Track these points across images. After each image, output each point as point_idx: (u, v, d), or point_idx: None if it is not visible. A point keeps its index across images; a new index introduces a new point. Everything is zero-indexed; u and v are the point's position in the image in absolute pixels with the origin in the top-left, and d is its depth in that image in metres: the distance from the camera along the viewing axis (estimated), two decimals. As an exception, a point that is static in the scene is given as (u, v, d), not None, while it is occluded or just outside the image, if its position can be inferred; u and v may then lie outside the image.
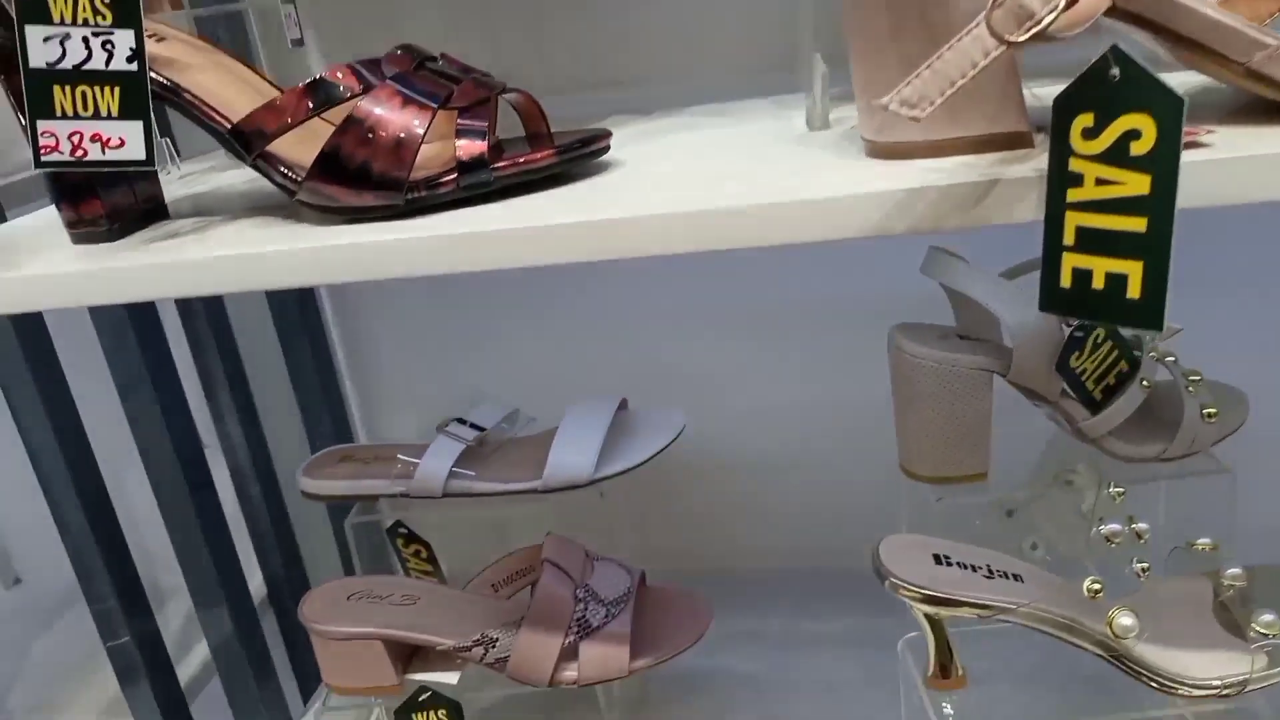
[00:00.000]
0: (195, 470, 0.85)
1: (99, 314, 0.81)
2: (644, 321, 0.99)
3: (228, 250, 0.51)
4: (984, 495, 0.75)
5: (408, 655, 0.80)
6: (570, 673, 0.76)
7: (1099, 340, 0.70)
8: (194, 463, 0.85)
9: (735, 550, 1.04)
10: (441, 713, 0.77)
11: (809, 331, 0.97)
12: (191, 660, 0.99)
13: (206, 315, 0.92)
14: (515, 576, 0.84)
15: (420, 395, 1.05)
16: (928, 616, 0.68)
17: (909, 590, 0.66)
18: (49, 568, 1.23)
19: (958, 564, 0.67)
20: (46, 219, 0.68)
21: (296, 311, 0.99)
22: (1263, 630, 0.64)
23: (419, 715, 0.77)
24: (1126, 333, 0.72)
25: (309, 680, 1.00)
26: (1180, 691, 0.64)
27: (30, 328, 0.75)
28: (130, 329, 0.80)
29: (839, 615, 0.97)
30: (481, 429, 0.87)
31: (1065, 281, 0.42)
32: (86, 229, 0.56)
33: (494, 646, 0.75)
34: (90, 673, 1.03)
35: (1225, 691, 0.63)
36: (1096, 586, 0.63)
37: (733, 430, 1.00)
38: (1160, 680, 0.64)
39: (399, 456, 0.86)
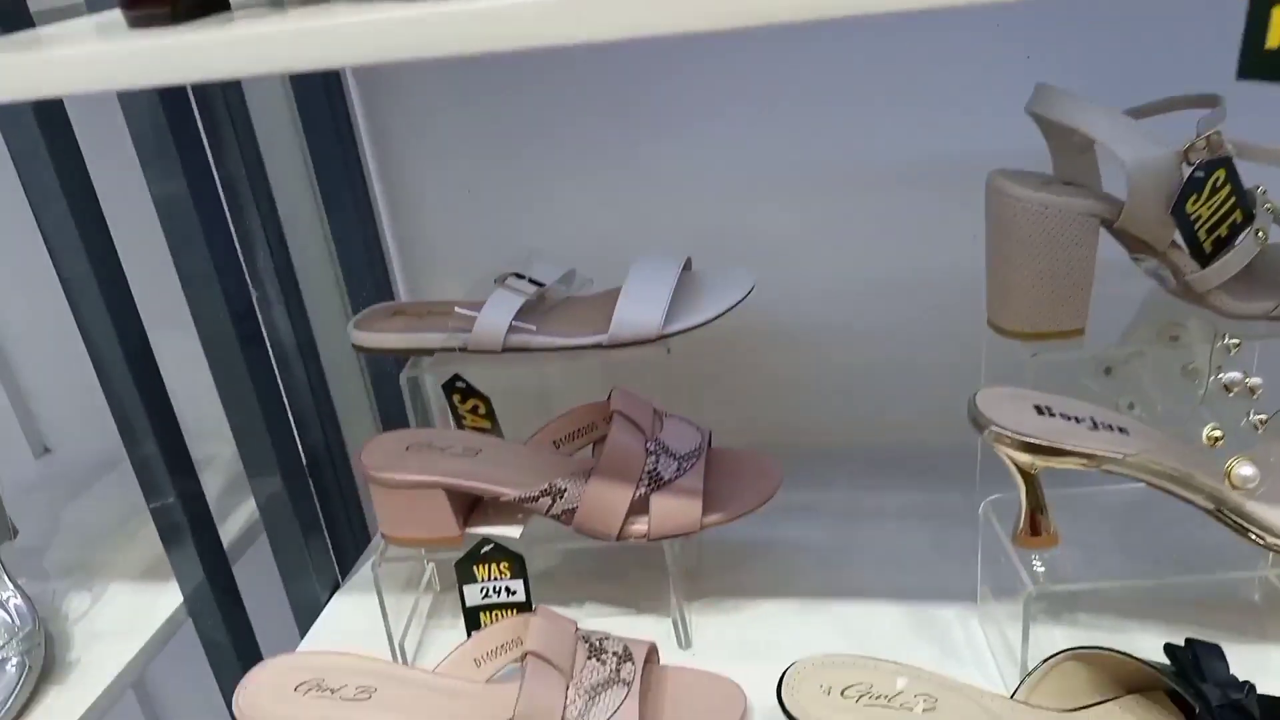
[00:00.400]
0: (245, 323, 0.81)
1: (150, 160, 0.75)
2: (706, 182, 0.94)
3: (282, 27, 0.47)
4: (1080, 352, 0.72)
5: (468, 509, 0.78)
6: (639, 526, 0.73)
7: (1218, 183, 0.66)
8: (245, 316, 0.81)
9: (798, 423, 1.01)
10: (504, 565, 0.75)
11: (882, 193, 0.92)
12: (231, 525, 0.97)
13: (248, 177, 0.87)
14: (576, 434, 0.80)
15: (467, 258, 1.01)
16: (1022, 471, 0.65)
17: (1009, 438, 0.63)
18: (78, 437, 1.21)
19: (1060, 415, 0.64)
20: (86, 23, 0.63)
21: (340, 169, 0.94)
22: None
23: (480, 568, 0.75)
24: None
25: (345, 545, 0.98)
26: (1291, 548, 0.61)
27: (76, 182, 0.70)
28: (181, 176, 0.74)
29: (905, 489, 0.95)
30: (540, 284, 0.83)
31: (1273, 41, 0.37)
32: (147, 10, 0.51)
33: (562, 497, 0.72)
34: (125, 538, 1.01)
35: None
36: (1217, 434, 0.60)
37: (799, 297, 0.96)
38: (1271, 537, 0.62)
39: (456, 309, 0.82)
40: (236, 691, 0.69)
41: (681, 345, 0.81)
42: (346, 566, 0.94)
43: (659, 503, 0.72)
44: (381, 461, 0.75)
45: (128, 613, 0.89)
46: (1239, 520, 0.62)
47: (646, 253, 0.85)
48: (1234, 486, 0.59)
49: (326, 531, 0.90)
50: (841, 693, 0.64)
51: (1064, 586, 0.67)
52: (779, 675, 0.66)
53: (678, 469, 0.73)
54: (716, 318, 0.79)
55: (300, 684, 0.70)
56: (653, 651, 0.72)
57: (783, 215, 0.94)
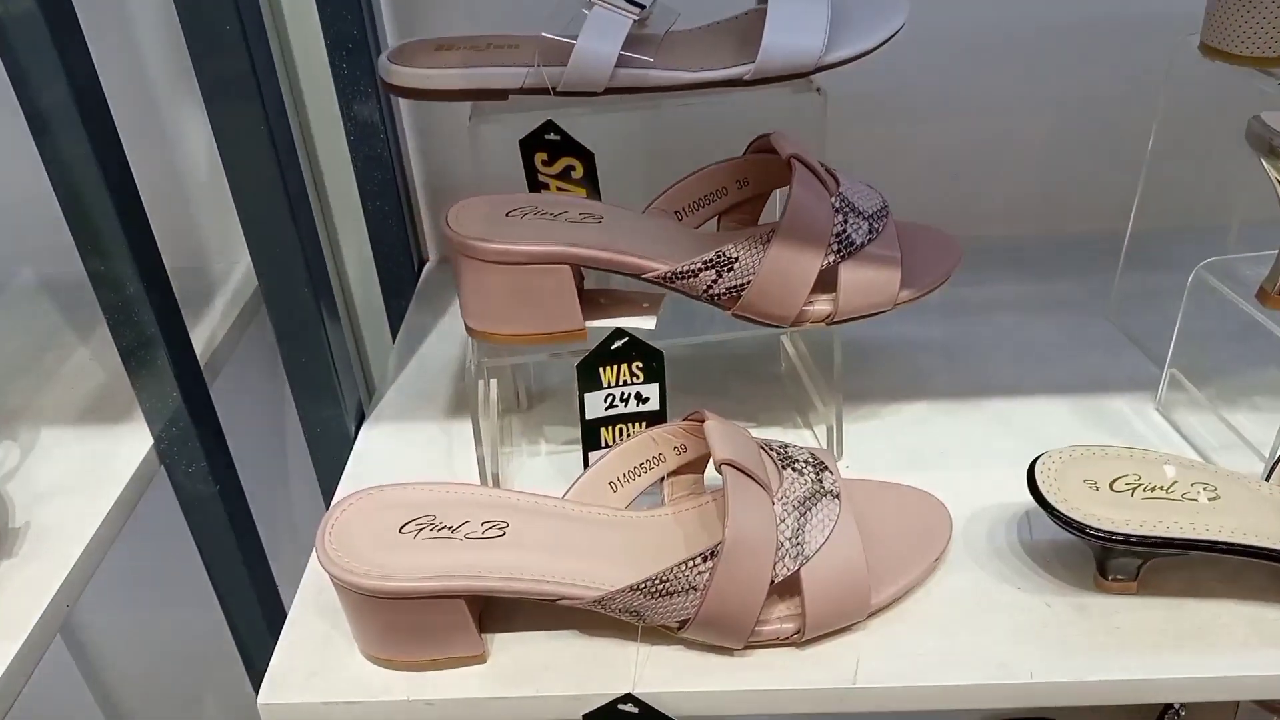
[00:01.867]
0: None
1: None
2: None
3: None
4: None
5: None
6: (822, 306, 0.58)
7: None
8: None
9: (918, 215, 0.86)
10: (638, 365, 0.58)
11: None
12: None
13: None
14: (701, 202, 0.63)
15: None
16: (1302, 214, 0.54)
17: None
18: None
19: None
20: None
21: None
22: None
23: (607, 370, 0.58)
24: None
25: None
26: None
27: None
28: None
29: (1007, 282, 0.83)
30: (641, 4, 0.63)
31: None
32: None
33: (731, 270, 0.56)
34: (43, 376, 0.76)
35: None
36: None
37: (929, 68, 0.80)
38: None
39: (543, 34, 0.61)
40: (322, 533, 0.50)
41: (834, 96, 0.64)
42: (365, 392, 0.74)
43: (850, 274, 0.57)
44: (480, 229, 0.55)
45: (77, 465, 0.66)
46: None
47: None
48: None
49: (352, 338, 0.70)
50: (1111, 486, 0.53)
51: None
52: (1028, 475, 0.54)
53: (869, 232, 0.57)
54: (882, 44, 0.62)
55: (408, 523, 0.51)
56: (832, 459, 0.58)
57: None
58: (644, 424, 0.60)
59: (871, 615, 0.53)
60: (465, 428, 0.67)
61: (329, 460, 0.68)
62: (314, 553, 0.56)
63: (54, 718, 1.10)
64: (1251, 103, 0.60)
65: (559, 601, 0.50)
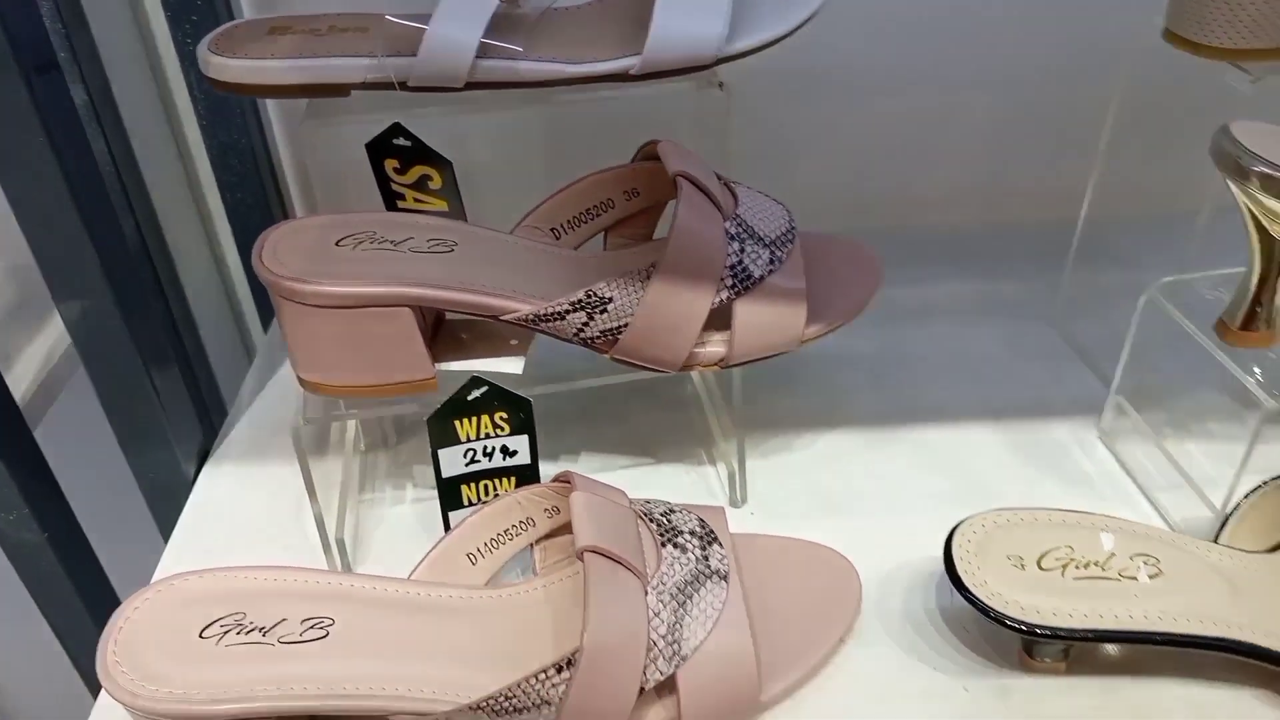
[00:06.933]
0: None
1: None
2: None
3: None
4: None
5: (429, 335, 0.51)
6: (715, 348, 0.49)
7: None
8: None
9: (819, 198, 0.78)
10: (501, 416, 0.50)
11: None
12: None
13: None
14: (587, 215, 0.54)
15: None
16: (1266, 237, 0.46)
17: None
18: None
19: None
20: None
21: None
22: None
23: (464, 423, 0.50)
24: None
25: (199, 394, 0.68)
26: None
27: None
28: None
29: (950, 279, 0.76)
30: (511, -18, 0.53)
31: None
32: None
33: (604, 311, 0.47)
34: None
35: None
36: None
37: (859, 43, 0.71)
38: None
39: (388, 18, 0.51)
40: (104, 646, 0.42)
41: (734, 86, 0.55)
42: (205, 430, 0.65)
43: (747, 311, 0.48)
44: (300, 265, 0.46)
45: None
46: None
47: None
48: None
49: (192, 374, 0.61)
50: (1039, 564, 0.46)
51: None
52: (944, 550, 0.47)
53: (770, 261, 0.49)
54: (791, 32, 0.53)
55: (211, 624, 0.43)
56: (724, 523, 0.50)
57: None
58: (513, 479, 0.52)
59: (764, 710, 0.46)
60: (323, 467, 0.59)
61: (167, 509, 0.59)
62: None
63: None
64: (1220, 90, 0.52)
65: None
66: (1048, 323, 0.71)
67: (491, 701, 0.41)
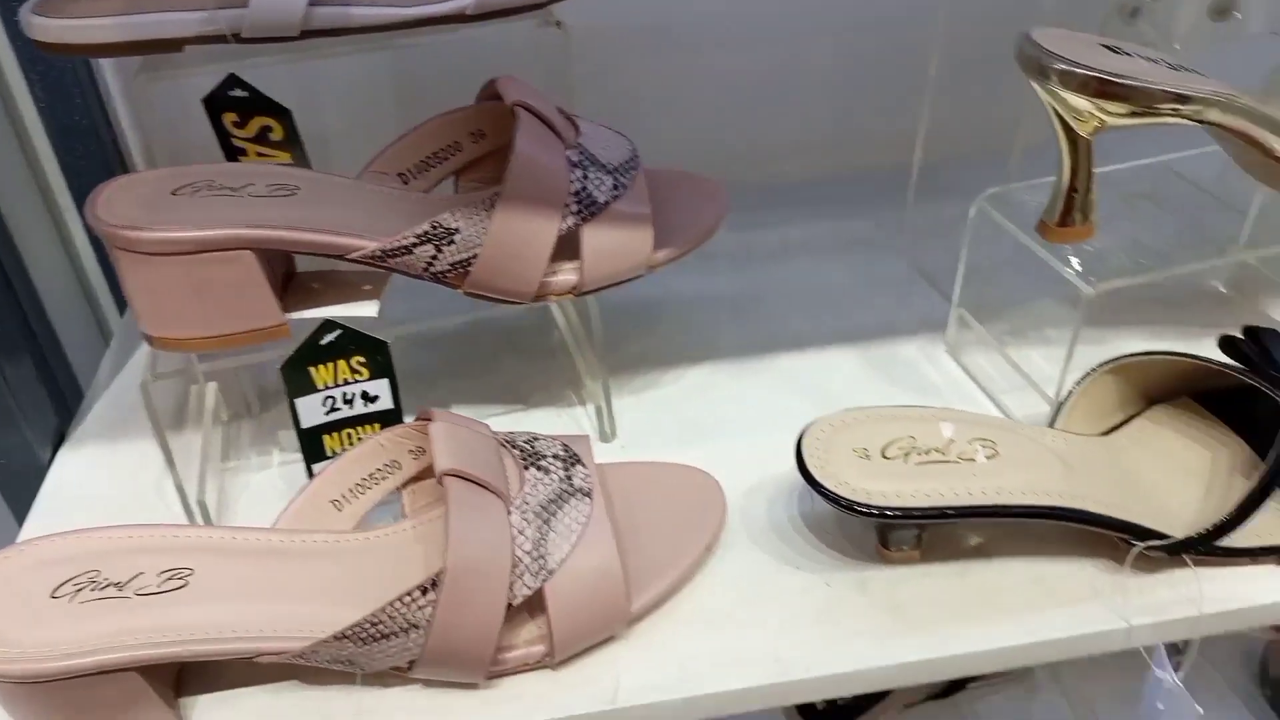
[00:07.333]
0: None
1: None
2: None
3: None
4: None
5: (277, 287, 0.51)
6: (568, 276, 0.51)
7: None
8: None
9: (669, 148, 0.80)
10: (358, 361, 0.50)
11: None
12: None
13: None
14: (435, 159, 0.55)
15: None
16: (1073, 136, 0.50)
17: (1086, 77, 0.46)
18: None
19: (1136, 55, 0.49)
20: None
21: None
22: None
23: (320, 370, 0.49)
24: None
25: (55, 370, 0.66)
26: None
27: None
28: None
29: (805, 221, 0.78)
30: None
31: None
32: None
33: (451, 243, 0.48)
34: None
35: None
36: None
37: None
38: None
39: (210, -32, 0.50)
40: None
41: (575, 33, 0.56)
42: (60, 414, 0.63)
43: (594, 237, 0.49)
44: (135, 214, 0.46)
45: None
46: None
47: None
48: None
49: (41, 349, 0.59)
50: (883, 453, 0.48)
51: (1126, 281, 0.54)
52: (795, 449, 0.49)
53: (615, 187, 0.50)
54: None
55: (64, 583, 0.42)
56: (588, 448, 0.52)
57: None
58: (377, 427, 0.52)
59: (636, 621, 0.47)
60: (184, 438, 0.58)
61: (21, 494, 0.57)
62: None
63: None
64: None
65: (258, 659, 0.42)
66: (897, 253, 0.74)
67: (357, 630, 0.41)
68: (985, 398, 0.61)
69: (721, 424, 0.60)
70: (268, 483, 0.57)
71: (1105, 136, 0.50)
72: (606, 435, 0.59)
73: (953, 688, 0.95)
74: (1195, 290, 0.69)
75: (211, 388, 0.59)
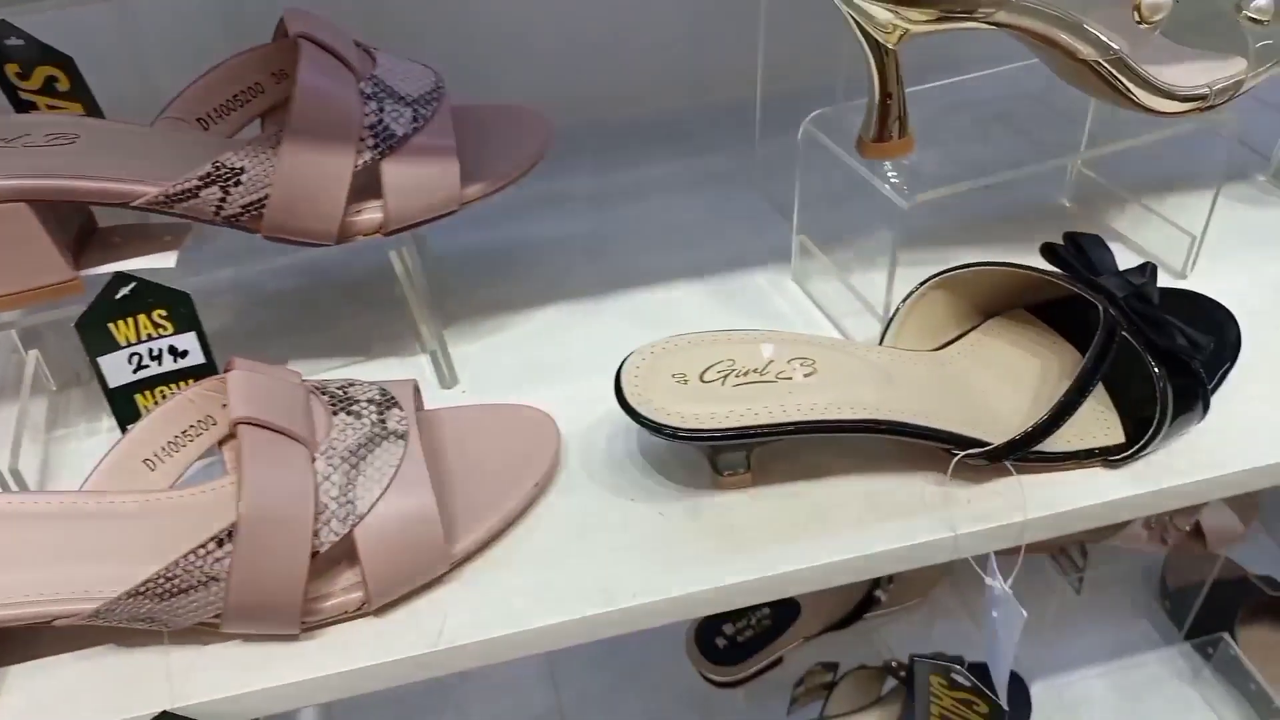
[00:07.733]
0: None
1: None
2: None
3: None
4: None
5: (76, 242, 0.49)
6: (373, 214, 0.49)
7: None
8: None
9: (511, 93, 0.78)
10: (160, 314, 0.48)
11: None
12: None
13: None
14: (235, 102, 0.53)
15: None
16: (878, 47, 0.50)
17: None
18: None
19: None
20: None
21: None
22: (1255, 17, 0.52)
23: (121, 326, 0.48)
24: None
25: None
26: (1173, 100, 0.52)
27: None
28: None
29: (657, 161, 0.77)
30: None
31: None
32: None
33: (238, 184, 0.46)
34: None
35: (1215, 100, 0.53)
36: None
37: None
38: (1150, 89, 0.52)
39: (-32, -93, 0.48)
40: None
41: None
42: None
43: (395, 172, 0.48)
44: (-111, 169, 0.43)
45: None
46: (1122, 81, 0.51)
47: None
48: (1143, 18, 0.48)
49: None
50: (701, 377, 0.48)
51: (942, 191, 0.54)
52: (614, 378, 0.48)
53: (415, 119, 0.48)
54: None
55: None
56: (417, 394, 0.51)
57: None
58: (192, 380, 0.50)
59: (464, 563, 0.47)
60: (6, 411, 0.56)
61: None
62: None
63: None
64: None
65: (54, 623, 0.41)
66: (750, 187, 0.73)
67: (152, 585, 0.40)
68: (829, 323, 0.61)
69: (567, 364, 0.59)
70: (97, 450, 0.55)
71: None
72: (446, 380, 0.58)
73: (850, 617, 0.97)
74: (1039, 206, 0.69)
75: (32, 355, 0.57)
